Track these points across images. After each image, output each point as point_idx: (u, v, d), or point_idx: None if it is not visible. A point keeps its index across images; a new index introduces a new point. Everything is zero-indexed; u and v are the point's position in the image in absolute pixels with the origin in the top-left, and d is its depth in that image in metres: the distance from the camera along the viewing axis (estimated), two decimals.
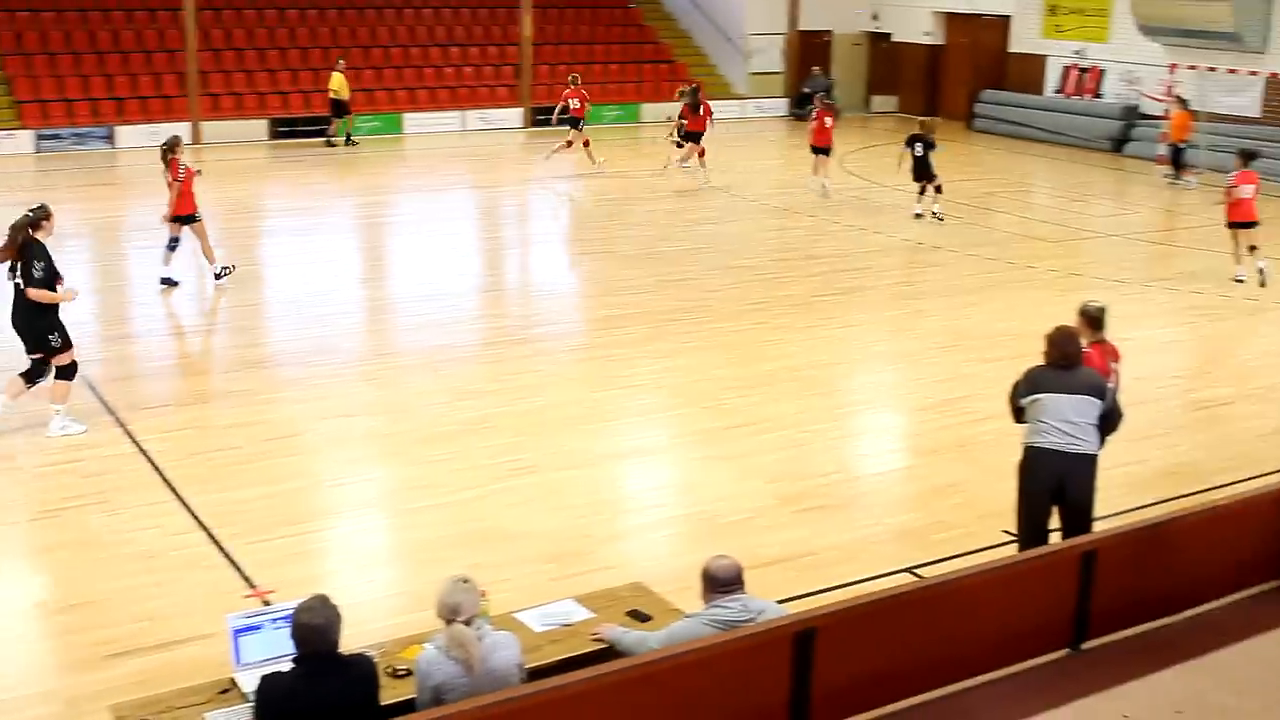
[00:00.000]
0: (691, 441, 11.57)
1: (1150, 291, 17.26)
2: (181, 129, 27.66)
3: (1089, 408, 7.99)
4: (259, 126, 28.76)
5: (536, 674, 6.02)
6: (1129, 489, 10.15)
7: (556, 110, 26.58)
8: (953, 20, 35.13)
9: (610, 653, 6.35)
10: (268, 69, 30.40)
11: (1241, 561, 8.00)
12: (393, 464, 10.92)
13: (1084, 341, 8.36)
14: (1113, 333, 8.96)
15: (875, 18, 36.65)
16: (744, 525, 9.71)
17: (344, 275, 17.40)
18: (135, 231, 19.90)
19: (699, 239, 20.07)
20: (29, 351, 11.11)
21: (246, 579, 8.66)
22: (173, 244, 16.10)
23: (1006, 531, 8.97)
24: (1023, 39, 33.46)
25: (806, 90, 34.71)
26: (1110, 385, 8.24)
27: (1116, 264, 19.01)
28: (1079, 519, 8.08)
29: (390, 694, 5.88)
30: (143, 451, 10.84)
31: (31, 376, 11.18)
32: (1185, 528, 7.72)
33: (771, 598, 6.73)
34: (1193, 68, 27.55)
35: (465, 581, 5.77)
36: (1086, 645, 7.31)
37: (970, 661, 6.87)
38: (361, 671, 5.56)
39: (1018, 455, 8.23)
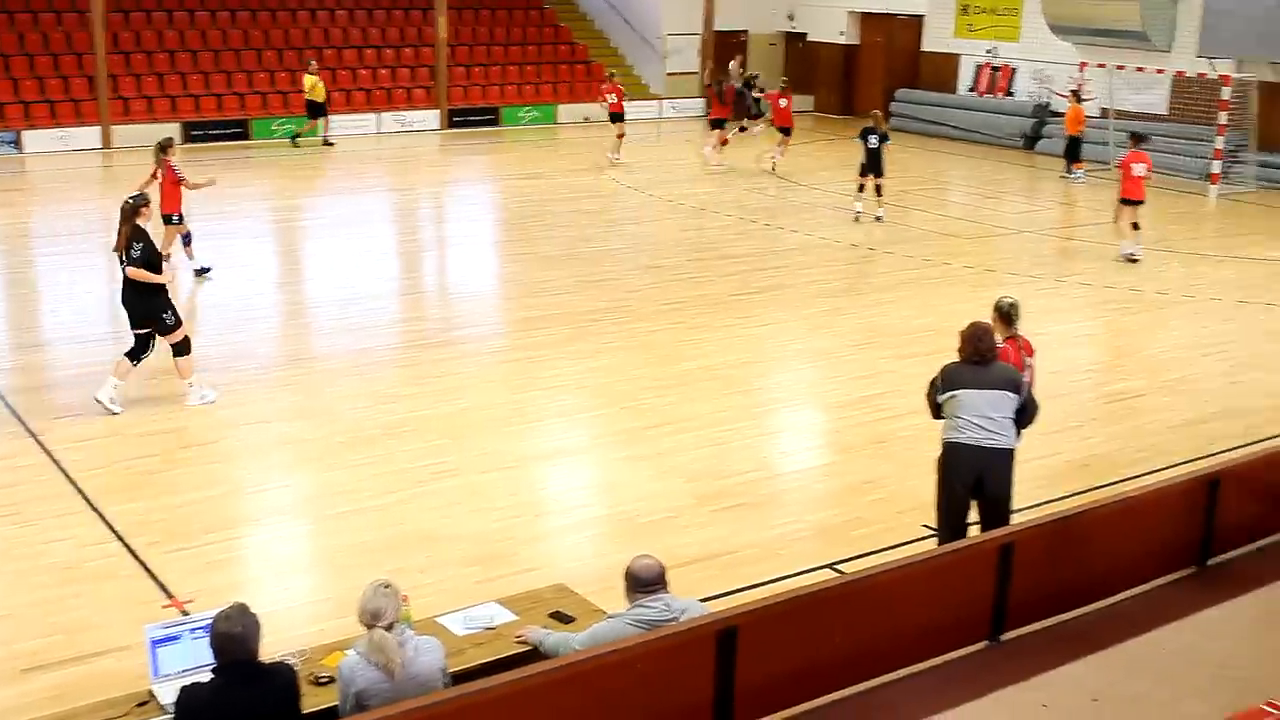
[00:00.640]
0: (612, 442, 11.58)
1: (1063, 286, 17.52)
2: (91, 133, 27.41)
3: (1005, 403, 8.09)
4: (172, 130, 28.35)
5: (460, 678, 6.00)
6: (1044, 482, 10.31)
7: (603, 106, 27.84)
8: (867, 20, 35.44)
9: (534, 655, 6.35)
10: (179, 72, 29.98)
11: (1153, 551, 8.15)
12: (313, 469, 10.83)
13: (998, 337, 8.47)
14: (1026, 327, 9.07)
15: (791, 18, 36.87)
16: (665, 525, 9.74)
17: (261, 279, 17.23)
18: (43, 239, 19.60)
19: (618, 239, 20.10)
20: (134, 327, 11.94)
21: (164, 589, 8.55)
22: (187, 238, 16.84)
23: (926, 526, 9.08)
24: (936, 38, 33.85)
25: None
26: (1025, 380, 8.35)
27: (1030, 260, 19.28)
28: (998, 512, 8.19)
29: (312, 701, 5.83)
30: (55, 462, 10.67)
31: (135, 354, 11.96)
32: (1099, 519, 7.85)
33: (693, 596, 6.75)
34: (1101, 66, 27.99)
35: (387, 586, 5.75)
36: (1005, 637, 7.40)
37: (891, 656, 6.94)
38: (282, 680, 5.52)
39: (936, 450, 8.33)
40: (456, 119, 31.64)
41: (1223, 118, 25.10)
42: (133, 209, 11.70)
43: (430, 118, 31.44)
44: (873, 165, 21.07)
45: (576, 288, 16.73)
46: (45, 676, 7.50)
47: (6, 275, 17.61)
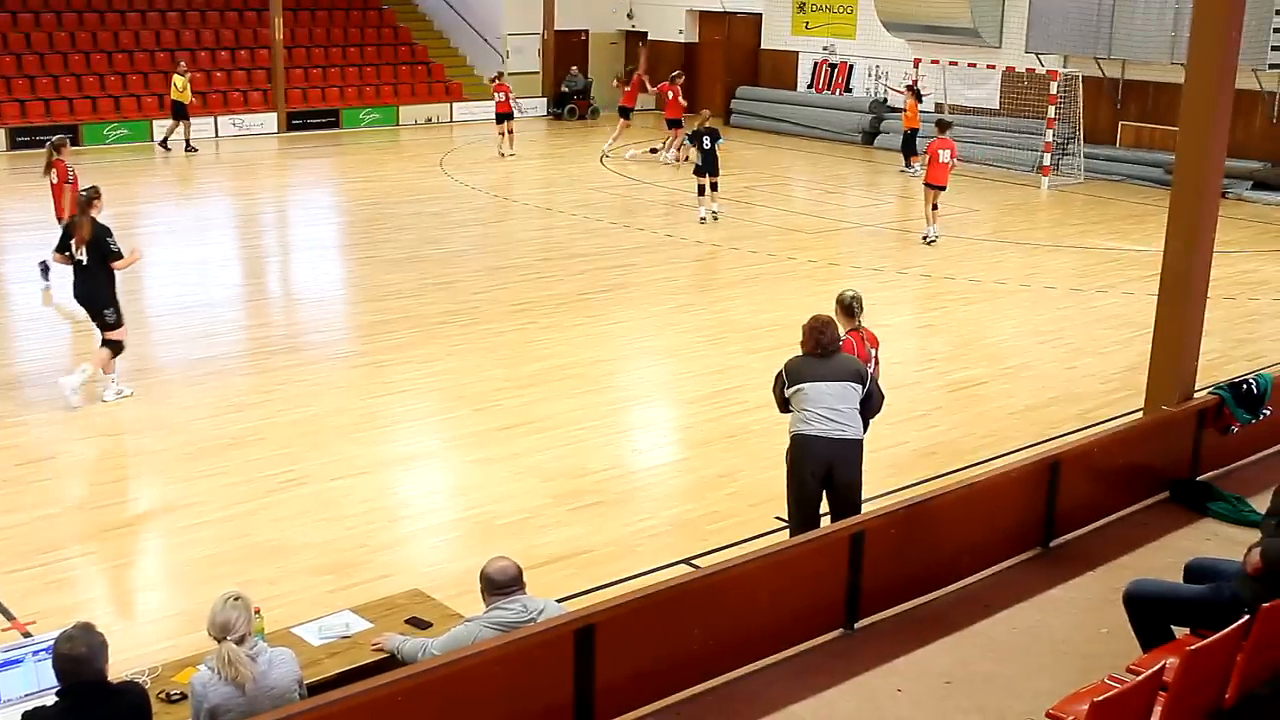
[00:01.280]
0: (465, 444, 11.51)
1: (904, 278, 17.87)
2: None
3: (850, 394, 8.20)
4: None
5: (316, 688, 5.92)
6: (892, 470, 10.50)
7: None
8: (706, 18, 35.73)
9: (391, 662, 6.28)
10: (3, 76, 29.01)
11: (999, 534, 8.38)
12: (158, 482, 10.58)
13: (842, 330, 8.59)
14: (870, 319, 9.24)
15: (630, 16, 37.02)
16: (521, 525, 9.71)
17: None
18: None
19: (464, 241, 19.97)
20: (95, 322, 12.26)
21: (4, 611, 8.27)
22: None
23: (779, 518, 9.18)
24: (774, 36, 34.27)
25: (565, 90, 34.94)
26: (869, 370, 8.49)
27: (872, 253, 19.65)
28: (848, 502, 8.31)
29: None
30: None
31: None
32: (946, 505, 8.04)
33: (551, 597, 6.75)
34: (935, 62, 28.62)
35: (237, 599, 5.64)
36: (860, 624, 7.54)
37: (749, 647, 7.02)
38: (131, 699, 5.37)
39: (786, 443, 8.42)
40: (295, 122, 31.11)
41: (1051, 112, 25.89)
42: (86, 201, 12.02)
43: (268, 120, 30.85)
44: (709, 165, 21.09)
45: (423, 290, 16.59)
46: None
47: None
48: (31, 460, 10.87)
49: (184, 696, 5.78)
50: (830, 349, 8.27)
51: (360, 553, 9.24)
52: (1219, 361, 13.45)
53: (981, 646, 7.29)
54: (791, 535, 8.31)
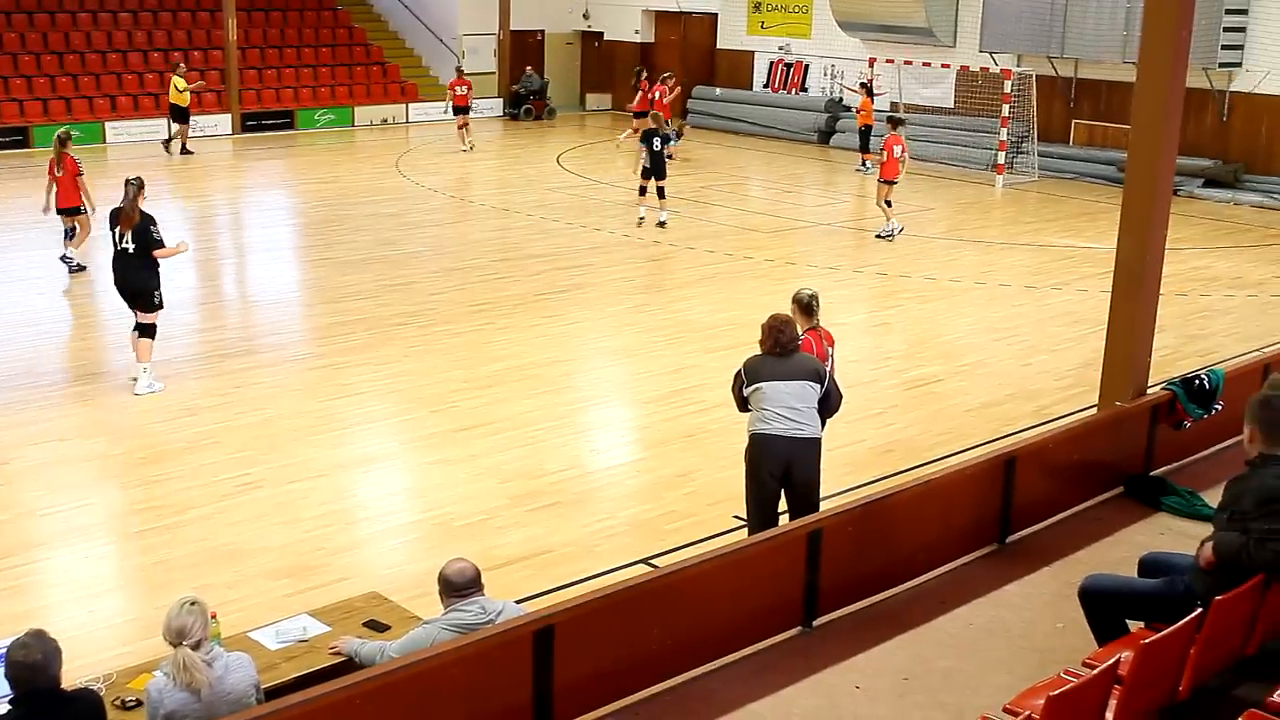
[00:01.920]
0: (422, 446, 11.48)
1: (861, 276, 17.95)
2: None
3: (808, 393, 8.22)
4: None
5: (274, 693, 5.89)
6: (850, 468, 10.54)
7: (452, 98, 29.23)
8: (662, 18, 35.78)
9: (349, 666, 6.26)
10: None
11: (956, 531, 8.42)
12: (113, 487, 10.49)
13: (800, 329, 8.61)
14: (826, 318, 9.26)
15: (586, 17, 37.01)
16: (479, 527, 9.70)
17: (51, 292, 16.58)
18: None
19: (421, 242, 19.90)
20: (136, 308, 12.70)
21: None
22: (70, 233, 17.49)
23: (737, 517, 9.20)
24: (730, 36, 34.35)
25: (520, 90, 34.88)
26: (827, 369, 8.51)
27: (828, 251, 19.72)
28: (806, 500, 8.33)
29: None
30: None
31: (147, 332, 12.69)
32: (903, 503, 8.07)
33: (510, 598, 6.74)
34: (890, 61, 28.76)
35: (193, 604, 5.61)
36: (818, 622, 7.56)
37: (708, 646, 7.03)
38: (85, 706, 5.32)
39: (744, 442, 8.43)
40: (250, 123, 30.93)
41: (1006, 110, 26.07)
42: (137, 190, 12.49)
43: (222, 122, 30.65)
44: (655, 169, 20.77)
45: (380, 292, 16.52)
46: None
47: None
48: None
49: (139, 703, 5.73)
50: (789, 348, 8.29)
51: (318, 556, 9.19)
52: (1172, 357, 13.58)
53: (939, 643, 7.32)
54: (750, 534, 8.33)
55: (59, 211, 17.40)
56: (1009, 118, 26.16)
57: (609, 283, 17.45)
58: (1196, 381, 10.04)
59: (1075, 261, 19.04)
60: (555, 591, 8.40)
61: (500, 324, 15.15)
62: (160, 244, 12.54)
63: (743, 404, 8.44)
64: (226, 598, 8.13)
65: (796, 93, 32.73)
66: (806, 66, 32.58)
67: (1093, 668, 5.57)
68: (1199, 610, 5.79)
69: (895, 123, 20.58)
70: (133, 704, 5.84)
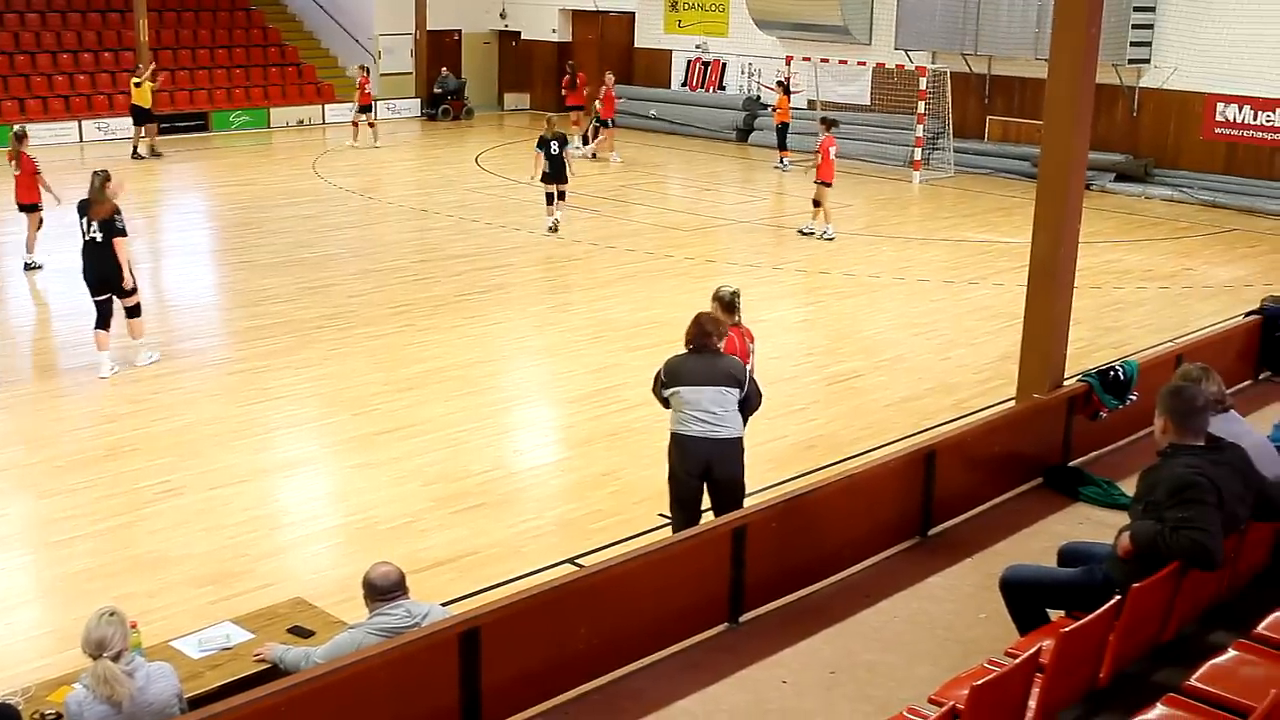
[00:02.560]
0: (345, 449, 11.40)
1: (780, 273, 18.05)
2: None
3: (726, 397, 8.24)
4: None
5: (197, 702, 5.83)
6: (773, 464, 10.60)
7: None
8: (579, 17, 35.76)
9: (274, 673, 6.21)
10: None
11: (879, 525, 8.49)
12: (29, 496, 10.31)
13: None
14: (747, 315, 9.30)
15: (503, 16, 36.90)
16: (404, 530, 9.65)
17: None
18: None
19: (339, 244, 19.75)
20: (95, 295, 12.99)
21: None
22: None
23: (662, 515, 9.22)
24: (647, 34, 34.41)
25: (438, 90, 34.70)
26: (747, 371, 8.55)
27: (748, 249, 19.81)
28: (730, 498, 8.36)
29: None
30: None
31: (104, 321, 13.04)
32: (826, 497, 8.12)
33: (436, 600, 6.72)
34: (806, 59, 28.95)
35: (112, 614, 5.54)
36: (744, 617, 7.60)
37: (635, 644, 7.04)
38: None
39: (666, 440, 8.45)
40: (163, 125, 30.46)
41: (921, 107, 26.34)
42: (103, 181, 12.81)
43: None
44: (555, 173, 20.38)
45: (299, 295, 16.38)
46: None
47: None
48: None
49: (59, 716, 5.65)
50: (711, 348, 8.31)
51: (241, 562, 9.10)
52: (1087, 349, 13.78)
53: (864, 636, 7.39)
54: (674, 532, 8.35)
55: (19, 208, 17.58)
56: (925, 114, 26.43)
57: (530, 282, 17.41)
58: (1111, 373, 10.19)
59: (992, 256, 19.28)
60: (482, 593, 8.38)
61: (421, 325, 15.08)
62: (123, 233, 12.87)
63: (664, 402, 8.47)
64: (148, 606, 8.04)
65: (714, 91, 32.86)
66: (724, 65, 32.72)
67: (1015, 657, 5.64)
68: (1117, 598, 5.88)
69: (829, 124, 20.49)
70: (52, 717, 5.75)
